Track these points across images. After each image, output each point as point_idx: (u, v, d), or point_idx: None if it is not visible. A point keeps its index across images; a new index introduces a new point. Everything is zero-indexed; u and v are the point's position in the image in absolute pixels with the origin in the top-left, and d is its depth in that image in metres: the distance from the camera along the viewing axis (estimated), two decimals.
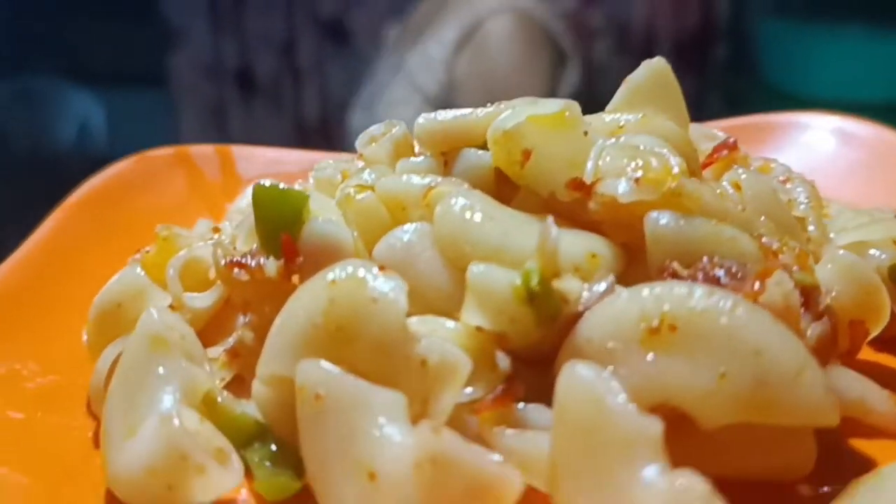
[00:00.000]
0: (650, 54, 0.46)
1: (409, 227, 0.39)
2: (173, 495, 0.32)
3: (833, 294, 0.38)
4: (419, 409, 0.33)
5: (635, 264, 0.38)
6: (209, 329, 0.42)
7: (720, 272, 0.34)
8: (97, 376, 0.39)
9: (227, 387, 0.39)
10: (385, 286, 0.34)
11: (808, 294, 0.34)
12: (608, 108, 0.46)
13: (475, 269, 0.35)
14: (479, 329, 0.35)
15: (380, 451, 0.31)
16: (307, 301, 0.35)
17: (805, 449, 0.32)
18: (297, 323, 0.34)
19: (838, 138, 0.59)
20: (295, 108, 1.96)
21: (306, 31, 1.89)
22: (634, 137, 0.41)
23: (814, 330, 0.33)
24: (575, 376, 0.30)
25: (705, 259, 0.35)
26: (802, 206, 0.45)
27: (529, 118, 0.40)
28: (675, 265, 0.35)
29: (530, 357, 0.36)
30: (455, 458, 0.28)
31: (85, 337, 0.43)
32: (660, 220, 0.36)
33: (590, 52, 1.71)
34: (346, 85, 1.71)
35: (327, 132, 1.88)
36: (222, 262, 0.39)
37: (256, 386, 0.36)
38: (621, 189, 0.37)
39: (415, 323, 0.36)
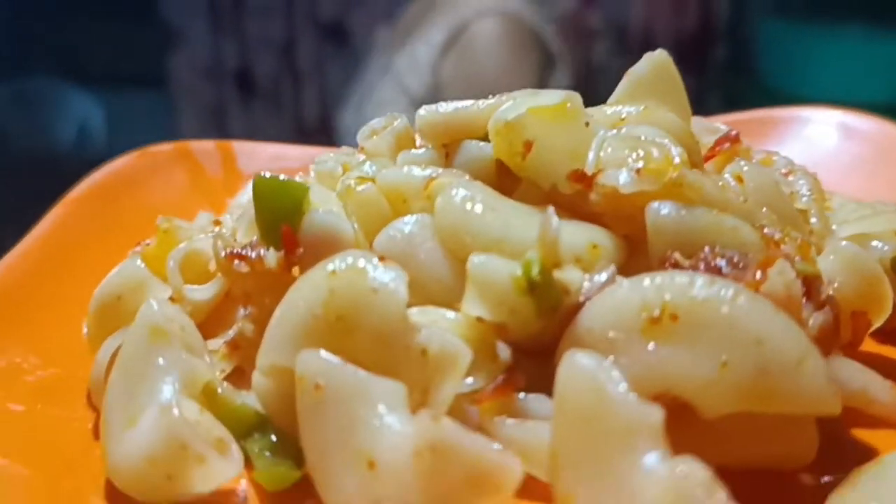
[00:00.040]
0: None
1: (409, 218, 0.39)
2: (173, 485, 0.32)
3: (835, 285, 0.38)
4: (419, 398, 0.33)
5: (637, 255, 0.38)
6: (210, 321, 0.42)
7: (722, 262, 0.34)
8: (97, 368, 0.39)
9: (228, 378, 0.39)
10: (385, 276, 0.34)
11: (810, 284, 0.34)
12: (610, 100, 0.46)
13: (476, 260, 0.35)
14: (479, 320, 0.35)
15: (379, 439, 0.30)
16: (307, 291, 0.35)
17: (807, 438, 0.32)
18: (297, 313, 0.34)
19: (841, 133, 0.59)
20: (294, 109, 1.96)
21: (306, 33, 1.89)
22: (636, 129, 0.41)
23: (816, 320, 0.33)
24: (575, 365, 0.30)
25: (707, 249, 0.35)
26: (804, 199, 0.45)
27: (531, 109, 0.40)
28: (677, 255, 0.35)
29: (531, 348, 0.36)
30: (455, 445, 0.28)
31: (85, 329, 0.43)
32: (661, 211, 0.36)
33: (589, 53, 1.71)
34: (345, 86, 1.71)
35: (327, 133, 1.88)
36: (222, 253, 0.39)
37: (256, 377, 0.36)
38: (622, 180, 0.37)
39: (415, 314, 0.36)
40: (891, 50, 1.47)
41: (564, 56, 1.42)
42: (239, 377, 0.39)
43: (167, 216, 0.45)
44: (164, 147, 0.63)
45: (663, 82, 0.45)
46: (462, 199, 0.38)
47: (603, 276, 0.35)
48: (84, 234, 0.53)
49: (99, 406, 0.38)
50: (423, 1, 1.51)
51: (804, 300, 0.34)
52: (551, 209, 0.35)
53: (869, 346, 0.41)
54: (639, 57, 0.46)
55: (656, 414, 0.28)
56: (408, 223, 0.39)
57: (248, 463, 0.35)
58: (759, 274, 0.33)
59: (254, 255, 0.38)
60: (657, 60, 0.45)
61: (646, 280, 0.33)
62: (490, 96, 0.43)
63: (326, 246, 0.38)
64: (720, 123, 0.52)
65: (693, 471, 0.27)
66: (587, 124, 0.40)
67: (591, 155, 0.39)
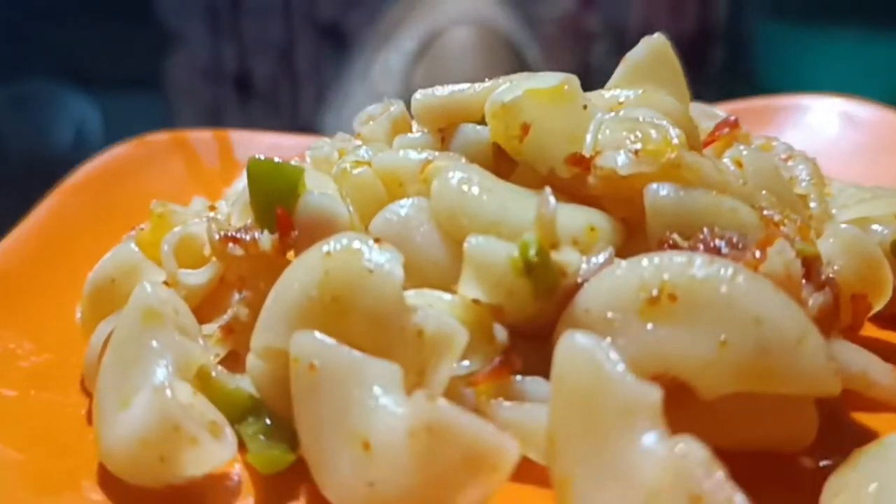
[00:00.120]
0: None
1: (405, 201, 0.39)
2: (165, 467, 0.32)
3: (835, 268, 0.37)
4: (415, 380, 0.32)
5: (635, 238, 0.37)
6: (204, 306, 0.42)
7: (721, 243, 0.34)
8: (91, 352, 0.39)
9: (222, 363, 0.38)
10: (381, 258, 0.33)
11: (810, 264, 0.34)
12: (608, 85, 0.46)
13: (472, 241, 0.35)
14: (476, 302, 0.35)
15: (374, 420, 0.30)
16: (302, 273, 0.34)
17: (806, 419, 0.32)
18: (291, 295, 0.34)
19: (842, 120, 0.59)
20: (292, 111, 1.95)
21: (304, 35, 1.88)
22: (634, 111, 0.40)
23: (815, 300, 0.33)
24: (573, 345, 0.30)
25: (706, 230, 0.35)
26: (804, 184, 0.45)
27: (528, 91, 0.39)
28: (675, 237, 0.35)
29: (528, 331, 0.36)
30: (450, 426, 0.28)
31: (79, 314, 0.42)
32: (659, 192, 0.36)
33: (587, 55, 1.71)
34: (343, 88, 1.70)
35: (325, 135, 1.87)
36: (216, 236, 0.38)
37: (251, 359, 0.35)
38: (620, 161, 0.37)
39: (411, 296, 0.35)
40: (887, 52, 1.47)
41: (541, 65, 1.40)
42: (233, 361, 0.39)
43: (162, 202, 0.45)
44: (161, 136, 0.62)
45: (661, 67, 0.45)
46: (458, 182, 0.37)
47: (600, 258, 0.35)
48: (79, 222, 0.53)
49: (92, 391, 0.37)
50: (402, 6, 1.49)
51: (804, 281, 0.33)
52: (548, 189, 0.35)
53: (869, 330, 0.41)
54: None
55: (655, 393, 0.28)
56: (404, 206, 0.38)
57: (242, 447, 0.34)
58: (758, 253, 0.32)
59: (248, 237, 0.38)
60: (655, 45, 0.45)
61: (644, 260, 0.32)
62: None
63: (321, 228, 0.37)
64: (719, 110, 0.52)
65: (692, 450, 0.26)
66: (585, 107, 0.40)
67: (588, 137, 0.39)
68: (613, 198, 0.38)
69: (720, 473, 0.26)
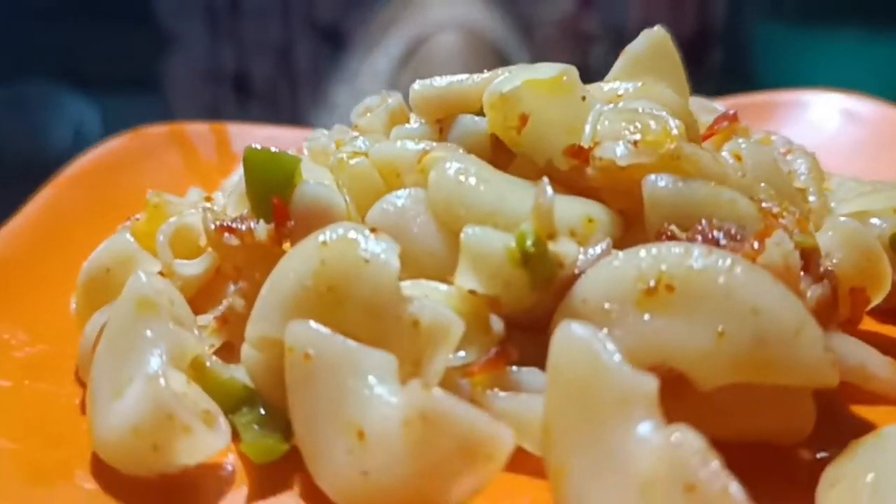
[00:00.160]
0: None
1: (402, 192, 0.39)
2: (159, 456, 0.32)
3: (834, 261, 0.37)
4: (411, 370, 0.32)
5: (633, 230, 0.37)
6: (200, 298, 0.42)
7: (719, 234, 0.34)
8: (85, 342, 0.39)
9: (217, 354, 0.38)
10: (377, 247, 0.33)
11: (809, 256, 0.34)
12: (607, 77, 0.45)
13: (469, 232, 0.35)
14: (472, 293, 0.35)
15: (369, 410, 0.30)
16: (298, 263, 0.34)
17: (804, 411, 0.32)
18: (287, 284, 0.34)
19: (842, 116, 0.59)
20: (292, 112, 1.95)
21: (303, 36, 1.88)
22: (633, 102, 0.40)
23: (814, 292, 0.33)
24: (569, 334, 0.29)
25: (704, 221, 0.34)
26: (803, 178, 0.44)
27: (527, 82, 0.39)
28: (674, 228, 0.35)
29: (525, 322, 0.35)
30: (445, 414, 0.28)
31: (73, 304, 0.42)
32: (658, 183, 0.36)
33: (586, 57, 1.70)
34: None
35: None
36: (212, 226, 0.38)
37: (245, 349, 0.35)
38: (619, 152, 0.37)
39: (407, 286, 0.35)
40: (886, 53, 1.47)
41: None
42: (228, 353, 0.39)
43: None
44: (158, 129, 0.62)
45: (661, 59, 0.45)
46: (456, 172, 0.37)
47: (598, 249, 0.35)
48: (75, 214, 0.53)
49: (86, 381, 0.37)
50: (391, 9, 1.48)
51: (802, 273, 0.33)
52: (546, 179, 0.35)
53: (868, 324, 0.41)
54: None
55: (651, 383, 0.27)
56: (401, 197, 0.38)
57: (236, 437, 0.34)
58: (756, 245, 0.32)
59: (244, 227, 0.38)
60: (655, 37, 0.45)
61: (641, 251, 0.32)
62: None
63: (318, 218, 0.37)
64: (719, 105, 0.51)
65: (687, 439, 0.26)
66: (583, 98, 0.40)
67: (587, 128, 0.38)
68: (612, 189, 0.38)
69: (716, 462, 0.25)
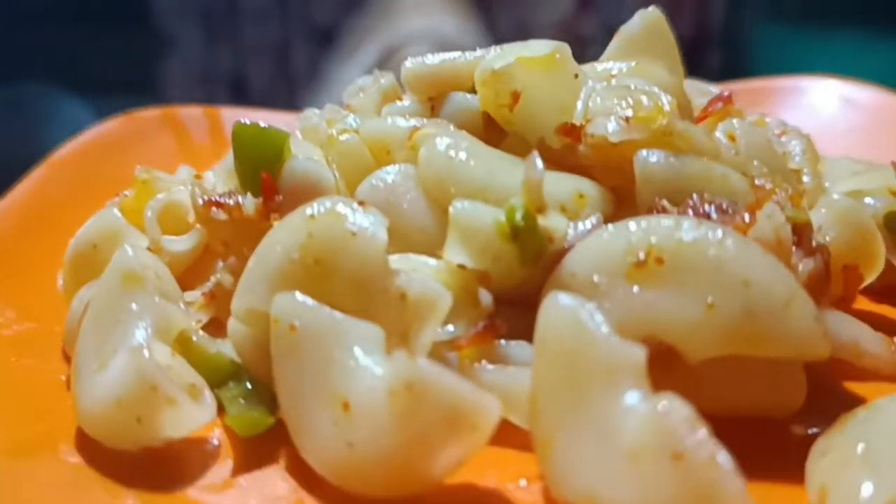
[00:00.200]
0: None
1: (392, 168, 0.38)
2: (143, 429, 0.31)
3: (827, 238, 0.37)
4: (398, 343, 0.32)
5: (624, 207, 0.37)
6: (188, 276, 0.41)
7: (710, 208, 0.33)
8: (71, 317, 0.38)
9: (205, 330, 0.38)
10: (365, 220, 0.33)
11: (801, 231, 0.33)
12: (601, 58, 0.45)
13: (458, 206, 0.34)
14: (461, 267, 0.34)
15: (354, 381, 0.29)
16: (285, 235, 0.34)
17: (795, 384, 0.31)
18: (273, 257, 0.33)
19: (839, 101, 0.58)
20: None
21: (300, 38, 1.87)
22: (626, 80, 0.40)
23: (805, 266, 0.32)
24: (556, 305, 0.29)
25: (695, 196, 0.34)
26: (797, 158, 0.44)
27: (519, 59, 0.39)
28: (665, 203, 0.34)
29: (515, 297, 0.35)
30: (431, 384, 0.27)
31: (60, 281, 0.42)
32: (649, 158, 0.35)
33: (584, 59, 1.70)
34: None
35: None
36: (200, 201, 0.38)
37: (232, 323, 0.35)
38: (611, 128, 0.36)
39: (396, 261, 0.35)
40: (884, 55, 1.46)
41: None
42: (217, 329, 0.38)
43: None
44: (151, 112, 0.62)
45: (656, 40, 0.44)
46: (446, 148, 0.37)
47: (588, 224, 0.34)
48: (65, 194, 0.52)
49: (72, 355, 0.37)
50: (370, 17, 1.47)
51: (794, 248, 0.33)
52: (535, 153, 0.34)
53: (862, 303, 0.40)
54: None
55: (638, 353, 0.27)
56: (391, 173, 0.38)
57: (222, 412, 0.34)
58: (747, 217, 0.32)
59: (232, 202, 0.37)
60: (650, 18, 0.44)
61: (631, 224, 0.32)
62: None
63: (306, 194, 0.37)
64: (714, 88, 0.51)
65: (675, 408, 0.26)
66: (576, 76, 0.40)
67: (579, 104, 0.38)
68: (604, 166, 0.38)
69: (703, 431, 0.25)
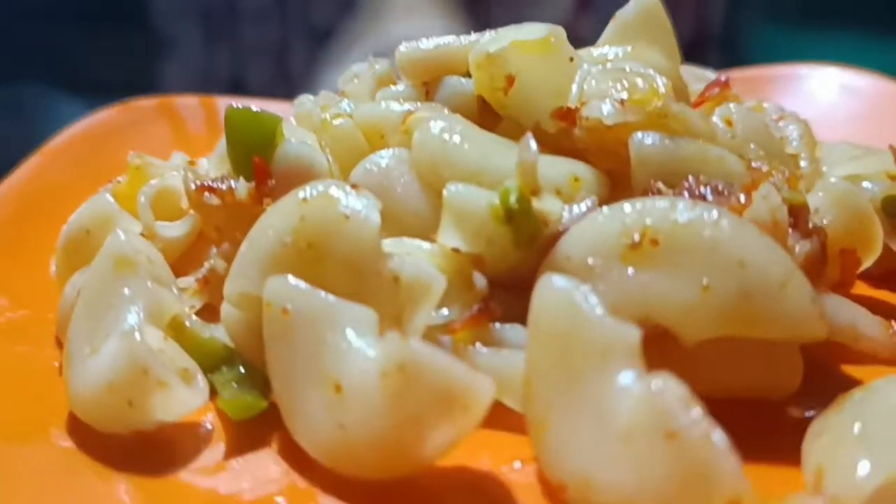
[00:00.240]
0: None
1: (386, 152, 0.38)
2: (134, 412, 0.31)
3: (824, 221, 0.37)
4: (392, 326, 0.31)
5: (620, 191, 0.37)
6: (182, 262, 0.41)
7: (706, 190, 0.33)
8: (64, 302, 0.38)
9: (199, 316, 0.38)
10: (358, 203, 0.33)
11: (797, 213, 0.33)
12: (597, 43, 0.45)
13: (452, 189, 0.34)
14: (455, 251, 0.34)
15: (347, 363, 0.29)
16: (277, 219, 0.33)
17: (791, 366, 0.31)
18: (266, 241, 0.33)
19: (838, 89, 0.58)
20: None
21: (299, 39, 1.87)
22: (621, 63, 0.39)
23: (802, 247, 0.32)
24: (550, 286, 0.29)
25: (691, 178, 0.34)
26: (795, 143, 0.44)
27: (513, 43, 0.38)
28: (660, 185, 0.34)
29: (509, 281, 0.35)
30: (423, 365, 0.27)
31: (53, 267, 0.41)
32: (645, 141, 0.35)
33: None
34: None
35: None
36: (192, 186, 0.38)
37: (225, 308, 0.35)
38: (606, 111, 0.36)
39: (390, 245, 0.34)
40: (884, 55, 1.46)
41: None
42: (210, 315, 0.38)
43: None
44: (147, 101, 0.61)
45: (652, 24, 0.44)
46: (440, 131, 0.37)
47: (583, 207, 0.34)
48: (60, 183, 0.52)
49: (64, 342, 0.37)
50: (360, 22, 1.46)
51: (791, 230, 0.33)
52: (529, 134, 0.34)
53: (861, 289, 0.40)
54: None
55: (633, 333, 0.27)
56: (384, 157, 0.38)
57: (216, 397, 0.34)
58: (743, 198, 0.32)
59: (224, 186, 0.37)
60: (646, 3, 0.44)
61: (626, 206, 0.32)
62: None
63: (299, 177, 0.37)
64: (711, 74, 0.51)
65: (669, 387, 0.25)
66: (571, 59, 0.39)
67: (574, 87, 0.38)
68: (599, 150, 0.37)
69: (697, 410, 0.25)
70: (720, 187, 0.33)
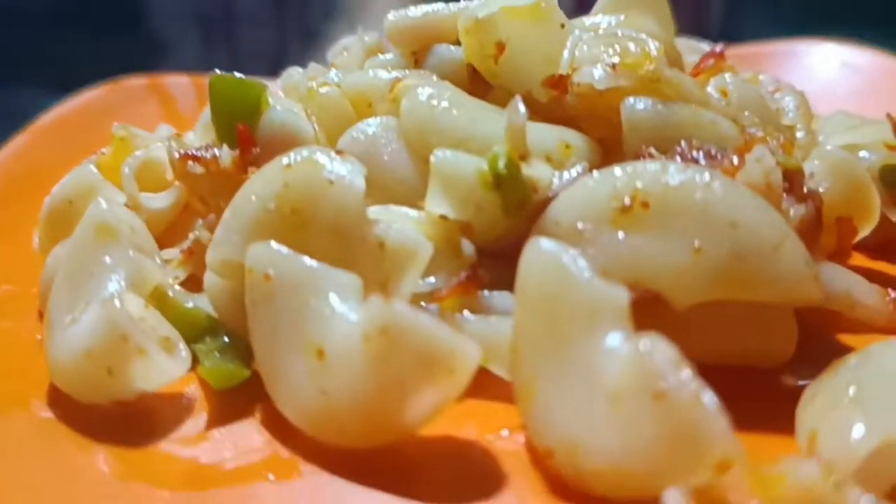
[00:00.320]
0: None
1: (374, 120, 0.37)
2: (114, 381, 0.30)
3: (821, 189, 0.36)
4: (377, 293, 0.31)
5: (611, 158, 0.36)
6: (168, 236, 0.40)
7: (699, 154, 0.32)
8: (46, 273, 0.37)
9: (183, 287, 0.37)
10: (342, 168, 0.32)
11: (792, 177, 0.32)
12: (591, 12, 0.44)
13: (440, 155, 0.33)
14: (443, 218, 0.33)
15: (330, 328, 0.28)
16: (260, 185, 0.33)
17: (786, 331, 0.30)
18: (249, 208, 0.32)
19: (837, 65, 0.57)
20: None
21: (296, 43, 1.85)
22: (613, 29, 0.39)
23: (797, 212, 0.31)
24: (538, 250, 0.28)
25: (683, 143, 0.33)
26: (791, 115, 0.43)
27: (503, 8, 0.38)
28: (652, 150, 0.33)
29: (499, 250, 0.34)
30: (406, 327, 0.26)
31: (36, 240, 0.41)
32: (636, 106, 0.34)
33: None
34: None
35: None
36: (176, 155, 0.37)
37: (208, 276, 0.34)
38: (597, 75, 0.35)
39: (376, 211, 0.34)
40: None
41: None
42: (195, 287, 0.37)
43: None
44: (138, 80, 0.61)
45: None
46: (428, 97, 0.36)
47: (573, 173, 0.33)
48: (48, 161, 0.51)
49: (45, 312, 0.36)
50: (349, 24, 1.45)
51: (785, 194, 0.32)
52: (518, 97, 0.33)
53: (858, 260, 0.39)
54: None
55: (621, 294, 0.26)
56: (371, 125, 0.37)
57: (199, 367, 0.33)
58: (736, 160, 0.31)
59: (208, 155, 0.36)
60: None
61: (617, 170, 0.31)
62: None
63: (284, 145, 0.36)
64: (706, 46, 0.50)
65: (657, 347, 0.25)
66: (563, 26, 0.38)
67: (565, 53, 0.37)
68: (591, 116, 0.37)
69: (687, 371, 0.24)
70: (713, 151, 0.32)
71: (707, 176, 0.29)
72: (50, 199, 0.40)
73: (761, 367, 0.31)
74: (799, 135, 0.42)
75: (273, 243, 0.31)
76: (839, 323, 0.33)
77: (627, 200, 0.30)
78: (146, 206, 0.39)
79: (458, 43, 0.40)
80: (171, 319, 0.34)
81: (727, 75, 0.41)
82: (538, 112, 0.37)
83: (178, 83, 0.62)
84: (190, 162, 0.36)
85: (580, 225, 0.31)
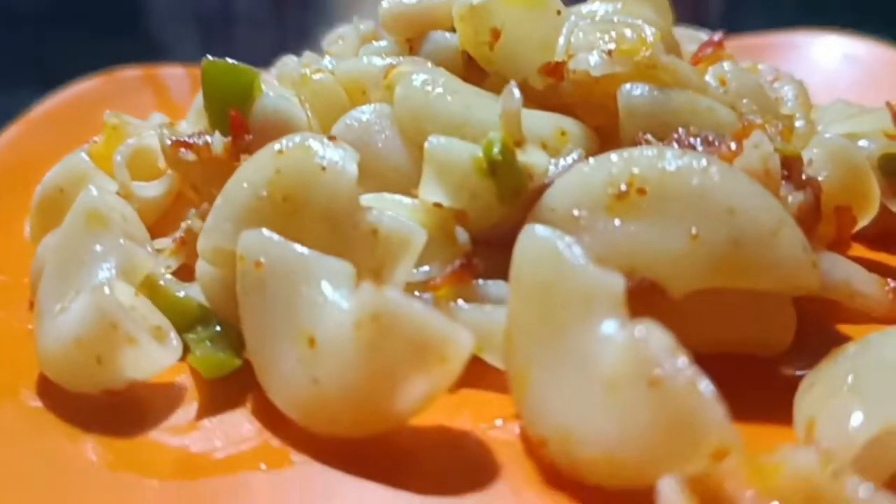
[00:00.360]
0: None
1: (367, 107, 0.37)
2: (103, 370, 0.30)
3: (820, 178, 0.35)
4: (371, 281, 0.30)
5: (608, 146, 0.35)
6: (161, 225, 0.40)
7: (696, 141, 0.32)
8: (37, 262, 0.37)
9: (176, 277, 0.36)
10: (335, 154, 0.31)
11: (790, 164, 0.32)
12: (588, 1, 0.44)
13: (434, 142, 0.33)
14: (437, 206, 0.33)
15: (321, 316, 0.28)
16: (252, 172, 0.32)
17: (784, 319, 0.30)
18: (241, 195, 0.32)
19: (837, 56, 0.56)
20: None
21: (295, 46, 1.85)
22: (610, 15, 0.38)
23: (795, 198, 0.31)
24: (532, 237, 0.28)
25: (681, 129, 0.33)
26: (790, 104, 0.43)
27: None
28: (649, 137, 0.33)
29: (494, 238, 0.34)
30: (398, 314, 0.26)
31: (28, 229, 0.40)
32: (633, 92, 0.34)
33: None
34: None
35: None
36: (168, 142, 0.36)
37: (200, 265, 0.34)
38: (593, 62, 0.35)
39: (370, 199, 0.33)
40: None
41: None
42: (188, 277, 0.37)
43: None
44: (132, 71, 0.60)
45: None
46: (422, 84, 0.36)
47: (569, 160, 0.33)
48: (41, 152, 0.51)
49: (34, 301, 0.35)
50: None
51: (783, 181, 0.31)
52: (513, 83, 0.33)
53: (857, 251, 0.39)
54: None
55: (617, 281, 0.26)
56: (365, 112, 0.37)
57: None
58: (733, 146, 0.30)
59: (200, 142, 0.36)
60: None
61: (613, 156, 0.31)
62: None
63: (277, 132, 0.35)
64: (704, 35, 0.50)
65: (653, 334, 0.24)
66: (559, 13, 0.38)
67: (561, 39, 0.37)
68: (587, 103, 0.36)
69: (683, 358, 0.24)
70: (710, 138, 0.32)
71: (704, 162, 0.29)
72: (41, 188, 0.40)
73: (759, 356, 0.31)
74: (798, 124, 0.41)
75: (265, 230, 0.30)
76: (838, 313, 0.33)
77: (624, 187, 0.30)
78: (138, 195, 0.38)
79: (453, 30, 0.39)
80: (162, 308, 0.33)
81: (725, 64, 0.41)
82: (534, 99, 0.37)
83: (173, 74, 0.61)
84: (182, 149, 0.36)
85: (576, 212, 0.30)
